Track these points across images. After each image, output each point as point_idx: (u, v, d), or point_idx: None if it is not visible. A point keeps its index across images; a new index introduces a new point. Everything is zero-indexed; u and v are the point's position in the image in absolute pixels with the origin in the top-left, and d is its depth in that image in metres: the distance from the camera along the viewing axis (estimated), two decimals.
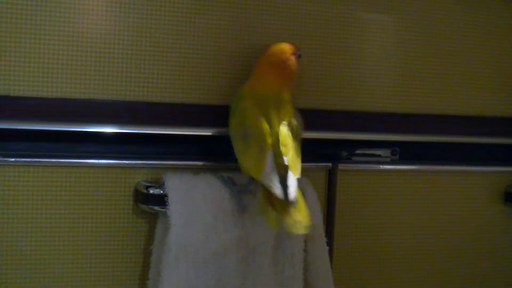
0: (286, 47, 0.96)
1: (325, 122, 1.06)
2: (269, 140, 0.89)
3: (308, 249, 0.99)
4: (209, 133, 0.99)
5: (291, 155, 0.89)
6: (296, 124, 0.93)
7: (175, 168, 0.97)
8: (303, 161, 1.04)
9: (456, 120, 1.13)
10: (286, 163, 0.88)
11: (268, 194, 0.88)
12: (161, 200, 0.92)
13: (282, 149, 0.89)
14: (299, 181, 0.98)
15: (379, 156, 1.10)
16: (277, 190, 0.86)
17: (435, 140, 1.13)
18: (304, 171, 1.03)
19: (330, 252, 1.03)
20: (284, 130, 0.90)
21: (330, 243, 1.03)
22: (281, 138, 0.90)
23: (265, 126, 0.90)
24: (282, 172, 0.88)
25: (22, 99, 0.91)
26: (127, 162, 0.96)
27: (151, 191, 0.93)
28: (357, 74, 1.08)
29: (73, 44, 0.93)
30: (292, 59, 0.96)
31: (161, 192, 0.92)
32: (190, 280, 0.92)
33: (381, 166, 1.10)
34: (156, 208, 0.93)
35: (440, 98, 1.13)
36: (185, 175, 0.95)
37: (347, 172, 1.07)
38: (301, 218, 0.86)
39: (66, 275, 0.94)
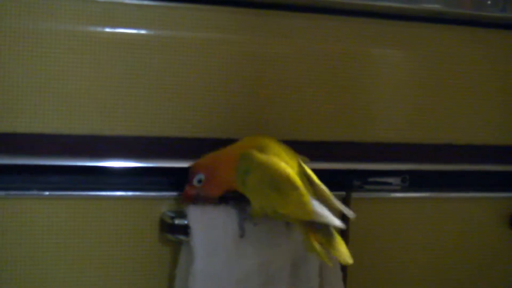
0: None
1: (338, 152, 1.10)
2: (299, 181, 0.89)
3: (323, 275, 1.01)
4: None
5: (320, 182, 0.92)
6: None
7: None
8: None
9: (463, 149, 1.16)
10: (327, 191, 0.90)
11: (308, 228, 0.88)
12: (186, 230, 0.95)
13: (315, 179, 0.91)
14: None
15: (390, 184, 1.13)
16: (337, 221, 0.87)
17: (443, 168, 1.16)
18: None
19: (344, 278, 1.05)
20: (303, 164, 0.93)
21: (344, 268, 1.04)
22: (308, 171, 0.92)
23: (288, 169, 0.90)
24: (325, 202, 0.89)
25: (55, 137, 0.96)
26: (153, 194, 0.99)
27: (176, 222, 0.96)
28: (368, 107, 1.11)
29: (93, 82, 0.97)
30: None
31: (185, 222, 0.95)
32: None
33: (392, 194, 1.13)
34: (182, 237, 0.96)
35: (447, 129, 1.15)
36: (206, 207, 0.97)
37: (360, 200, 1.10)
38: (343, 248, 0.87)
39: None
